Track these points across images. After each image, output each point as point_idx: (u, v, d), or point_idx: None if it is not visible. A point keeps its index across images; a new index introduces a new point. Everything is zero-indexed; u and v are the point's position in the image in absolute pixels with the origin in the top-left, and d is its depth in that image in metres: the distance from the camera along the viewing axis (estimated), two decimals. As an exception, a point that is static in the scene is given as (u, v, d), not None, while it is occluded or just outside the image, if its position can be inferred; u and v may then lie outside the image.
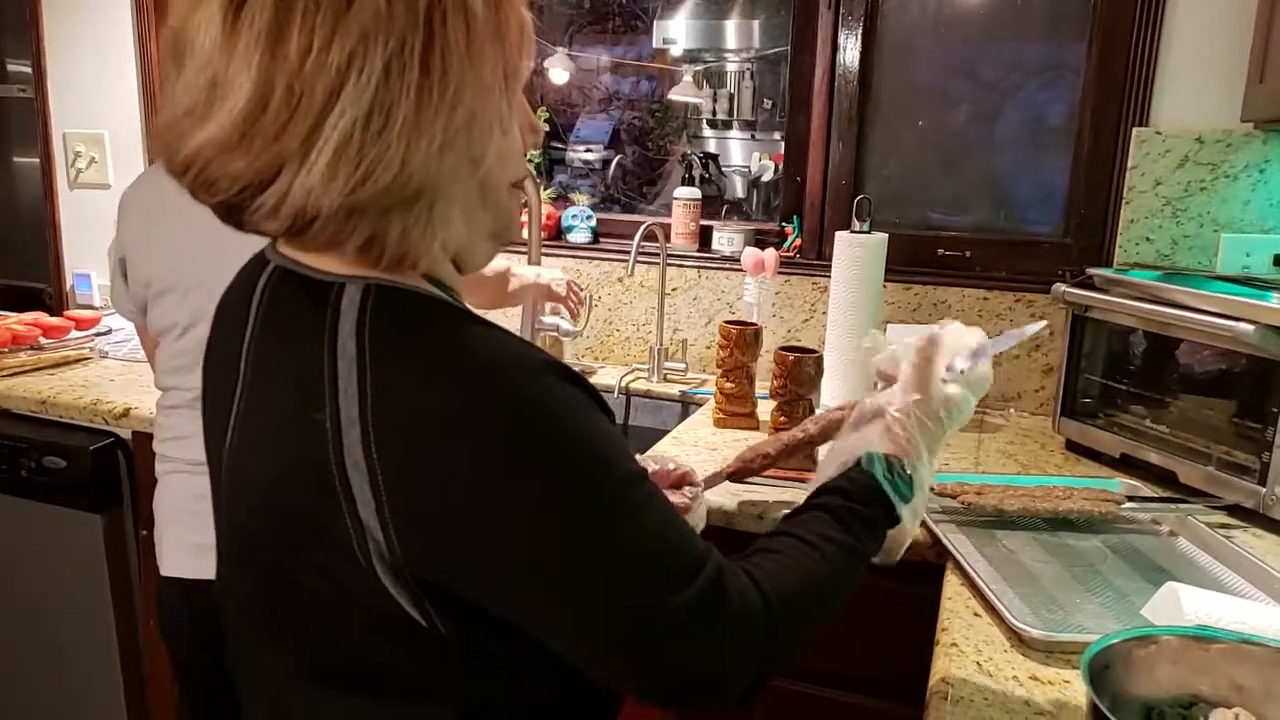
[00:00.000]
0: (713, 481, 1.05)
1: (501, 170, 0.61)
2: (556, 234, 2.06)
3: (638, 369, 1.91)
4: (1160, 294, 1.27)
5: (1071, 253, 1.64)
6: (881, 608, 1.19)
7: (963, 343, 0.82)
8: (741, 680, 0.63)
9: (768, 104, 2.86)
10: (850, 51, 1.76)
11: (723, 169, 2.83)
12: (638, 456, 0.90)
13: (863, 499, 0.74)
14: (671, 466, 0.93)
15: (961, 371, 0.80)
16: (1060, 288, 1.38)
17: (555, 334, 1.90)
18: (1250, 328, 1.11)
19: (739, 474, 1.10)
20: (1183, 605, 0.78)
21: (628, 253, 1.75)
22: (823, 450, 0.89)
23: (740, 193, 2.86)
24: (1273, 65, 1.30)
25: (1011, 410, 1.69)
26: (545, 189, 2.16)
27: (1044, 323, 0.92)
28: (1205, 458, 1.25)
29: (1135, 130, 1.55)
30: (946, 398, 0.79)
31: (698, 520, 0.91)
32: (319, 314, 0.57)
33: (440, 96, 0.53)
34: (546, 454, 0.53)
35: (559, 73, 2.46)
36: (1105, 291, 1.35)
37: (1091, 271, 1.40)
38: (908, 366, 0.80)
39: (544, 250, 1.99)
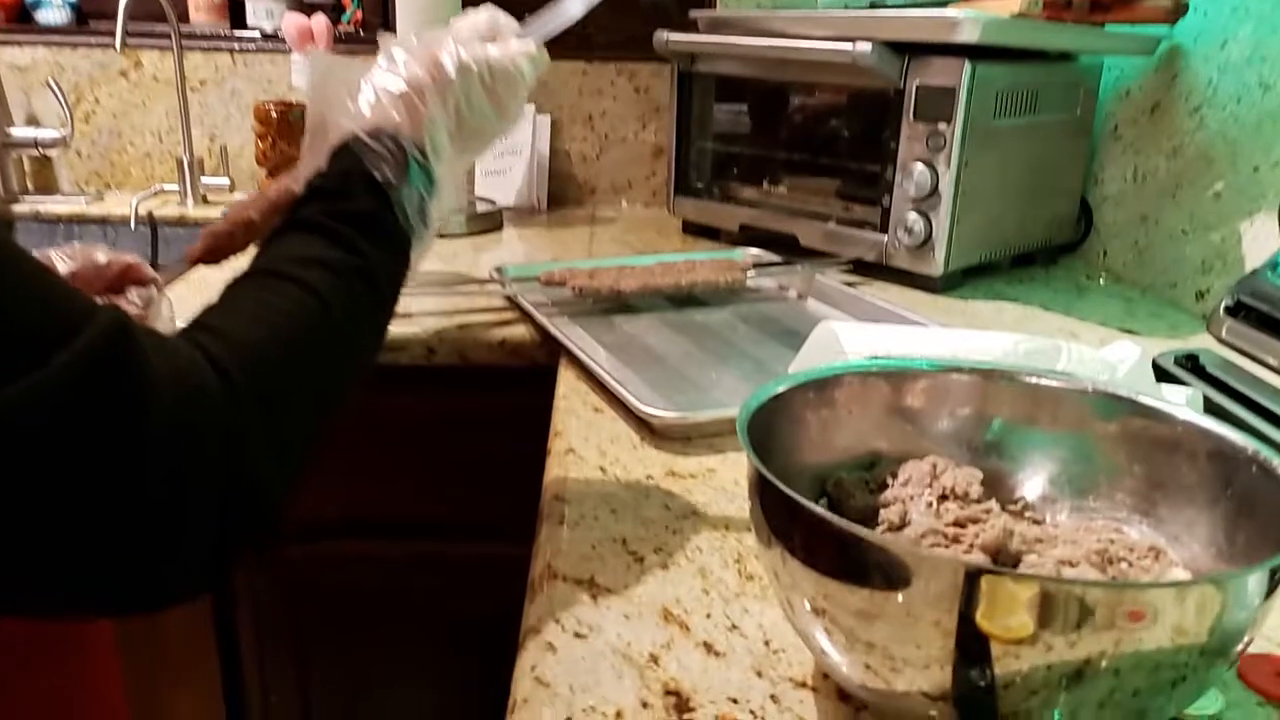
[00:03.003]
0: (174, 274, 0.70)
1: None
2: (20, 14, 1.48)
3: (165, 190, 1.45)
4: (769, 25, 1.10)
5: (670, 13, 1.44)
6: (480, 427, 0.94)
7: (473, 23, 0.57)
8: (194, 529, 0.36)
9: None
10: None
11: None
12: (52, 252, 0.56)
13: (355, 194, 0.48)
14: (103, 259, 0.58)
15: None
16: (663, 35, 1.17)
17: (36, 150, 1.38)
18: (867, 47, 0.96)
19: (212, 254, 0.66)
20: (843, 345, 0.60)
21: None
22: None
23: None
24: None
25: (624, 202, 1.50)
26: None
27: None
28: (824, 217, 1.13)
29: None
30: (479, 61, 0.55)
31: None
32: None
33: None
34: None
35: None
36: (711, 33, 1.16)
37: (695, 14, 1.21)
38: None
39: (2, 37, 1.42)
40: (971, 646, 0.34)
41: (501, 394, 0.91)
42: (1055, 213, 1.16)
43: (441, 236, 1.24)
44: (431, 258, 1.16)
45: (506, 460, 0.88)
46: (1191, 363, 0.71)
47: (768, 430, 0.46)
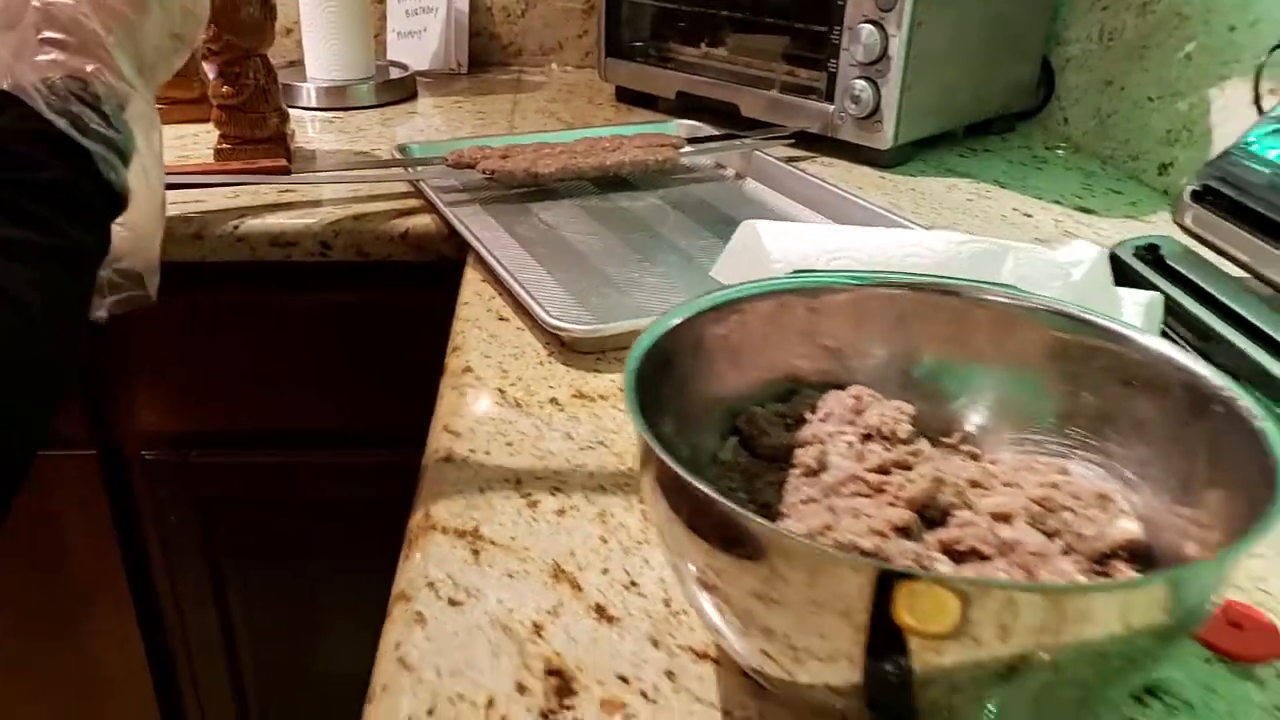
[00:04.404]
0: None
1: None
2: None
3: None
4: None
5: None
6: (383, 327, 0.87)
7: None
8: None
9: None
10: None
11: None
12: None
13: (39, 160, 0.39)
14: None
15: None
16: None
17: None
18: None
19: None
20: (766, 247, 0.53)
21: None
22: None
23: None
24: None
25: (553, 65, 1.37)
26: None
27: None
28: (768, 83, 1.03)
29: None
30: None
31: None
32: None
33: None
34: None
35: None
36: None
37: None
38: None
39: None
40: (885, 641, 0.29)
41: (405, 291, 0.83)
42: (1014, 77, 1.08)
43: (346, 109, 1.13)
44: (332, 133, 1.06)
45: (414, 362, 0.81)
46: (1152, 254, 0.65)
47: (668, 365, 0.39)
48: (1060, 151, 1.05)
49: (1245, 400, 0.34)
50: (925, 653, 0.29)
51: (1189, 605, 0.29)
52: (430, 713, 0.35)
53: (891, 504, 0.37)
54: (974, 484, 0.39)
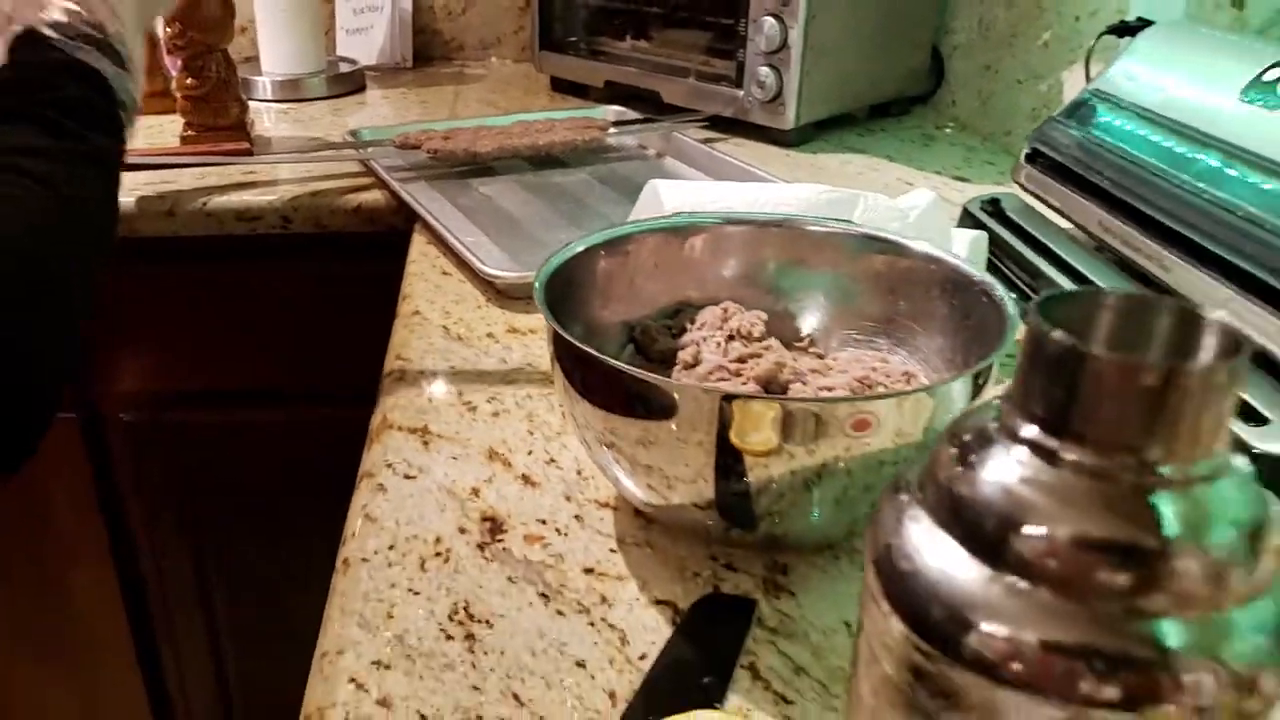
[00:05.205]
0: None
1: None
2: None
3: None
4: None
5: None
6: (340, 294, 0.97)
7: None
8: None
9: None
10: None
11: None
12: None
13: (62, 84, 0.50)
14: None
15: None
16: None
17: None
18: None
19: None
20: (663, 201, 0.64)
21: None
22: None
23: None
24: None
25: (493, 58, 1.48)
26: None
27: None
28: (686, 72, 1.14)
29: None
30: None
31: None
32: None
33: None
34: None
35: None
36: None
37: None
38: None
39: None
40: (728, 462, 0.40)
41: (360, 260, 0.93)
42: (908, 64, 1.20)
43: (299, 100, 1.22)
44: (287, 122, 1.15)
45: (368, 325, 0.90)
46: (994, 206, 0.77)
47: (572, 286, 0.50)
48: (949, 130, 1.18)
49: (999, 289, 0.46)
50: (757, 468, 0.40)
51: (943, 421, 0.41)
52: (391, 548, 0.45)
53: (744, 383, 0.48)
54: (813, 371, 0.51)
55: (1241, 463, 0.20)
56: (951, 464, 0.21)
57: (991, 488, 0.20)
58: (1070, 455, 0.19)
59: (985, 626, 0.19)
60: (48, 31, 0.50)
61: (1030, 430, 0.20)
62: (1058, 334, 0.18)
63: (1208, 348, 0.20)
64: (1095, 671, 0.19)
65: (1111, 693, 0.19)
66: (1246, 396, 0.50)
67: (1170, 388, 0.18)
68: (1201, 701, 0.19)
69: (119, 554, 1.07)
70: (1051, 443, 0.19)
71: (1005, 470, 0.20)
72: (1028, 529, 0.19)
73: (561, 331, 0.43)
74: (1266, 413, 0.48)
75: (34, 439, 0.45)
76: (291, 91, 1.22)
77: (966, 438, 0.22)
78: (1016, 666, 0.19)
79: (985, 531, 0.20)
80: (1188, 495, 0.19)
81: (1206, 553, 0.19)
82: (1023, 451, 0.20)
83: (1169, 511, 0.19)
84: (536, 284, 0.47)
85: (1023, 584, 0.19)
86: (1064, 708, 0.19)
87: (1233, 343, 0.19)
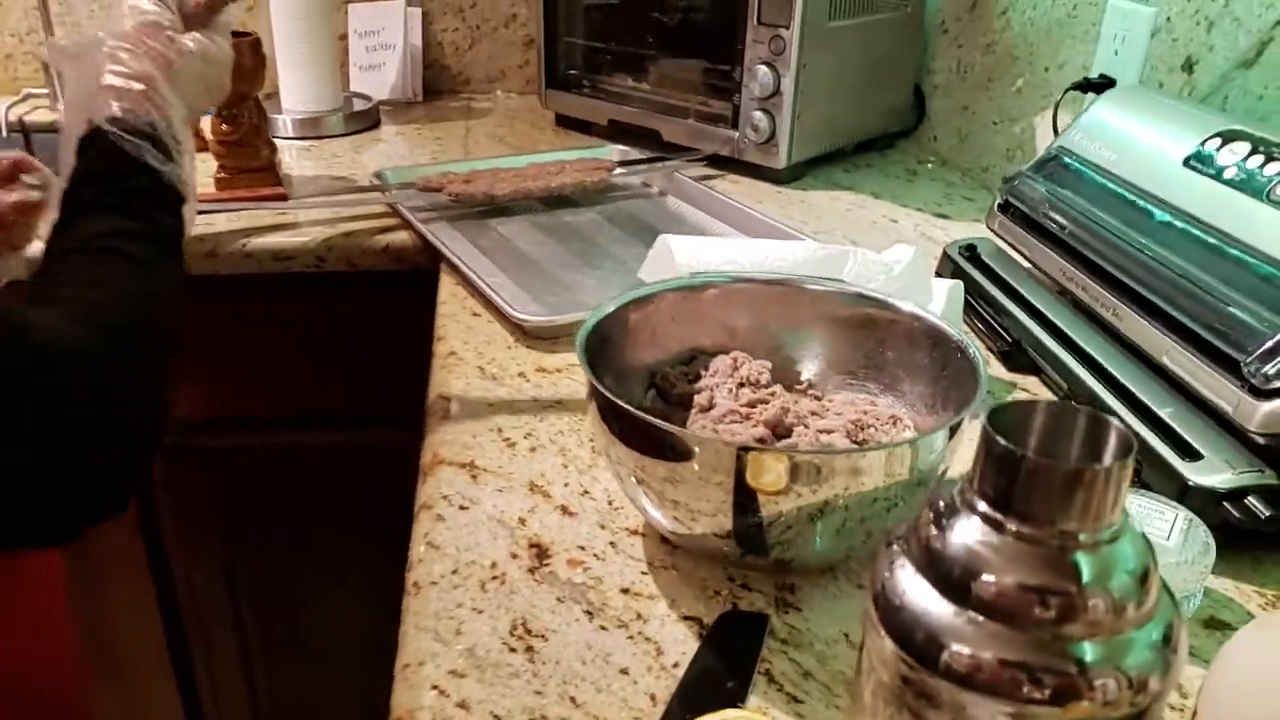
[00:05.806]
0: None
1: None
2: None
3: (35, 95, 1.43)
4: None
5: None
6: (371, 328, 1.04)
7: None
8: (89, 462, 0.47)
9: None
10: None
11: None
12: None
13: (129, 175, 0.59)
14: None
15: None
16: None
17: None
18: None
19: None
20: (675, 256, 0.72)
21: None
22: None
23: None
24: None
25: (498, 92, 1.55)
26: None
27: None
28: (685, 112, 1.22)
29: None
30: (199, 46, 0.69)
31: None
32: None
33: None
34: None
35: None
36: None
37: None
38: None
39: None
40: (744, 500, 0.48)
41: (388, 296, 1.00)
42: (892, 102, 1.28)
43: (320, 138, 1.29)
44: (313, 161, 1.23)
45: (394, 357, 0.98)
46: (970, 251, 0.85)
47: (606, 340, 0.58)
48: (930, 165, 1.26)
49: (971, 348, 0.54)
50: (768, 505, 0.48)
51: (926, 464, 0.48)
52: (454, 572, 0.53)
53: (754, 425, 0.56)
54: (813, 413, 0.58)
55: (1134, 523, 0.28)
56: (928, 526, 0.29)
57: (957, 547, 0.28)
58: (1012, 526, 0.27)
59: (954, 648, 0.27)
60: (108, 127, 0.59)
61: (984, 506, 0.27)
62: (1002, 442, 0.26)
63: (1110, 444, 0.28)
64: (1033, 679, 0.27)
65: (1044, 694, 0.27)
66: (1183, 434, 0.58)
67: (1082, 481, 0.26)
68: (1108, 698, 0.27)
69: (157, 571, 1.14)
70: (999, 516, 0.27)
71: (967, 534, 0.28)
72: (984, 577, 0.27)
73: (601, 388, 0.50)
74: (1200, 448, 0.57)
75: (143, 466, 0.52)
76: (311, 129, 1.29)
77: (940, 505, 0.29)
78: (978, 676, 0.27)
79: (953, 578, 0.28)
80: (1097, 554, 0.27)
81: (1110, 594, 0.27)
82: (978, 521, 0.27)
83: (1084, 566, 0.27)
84: (578, 342, 0.54)
85: (980, 618, 0.27)
86: (1011, 705, 0.27)
87: (1126, 443, 0.27)
